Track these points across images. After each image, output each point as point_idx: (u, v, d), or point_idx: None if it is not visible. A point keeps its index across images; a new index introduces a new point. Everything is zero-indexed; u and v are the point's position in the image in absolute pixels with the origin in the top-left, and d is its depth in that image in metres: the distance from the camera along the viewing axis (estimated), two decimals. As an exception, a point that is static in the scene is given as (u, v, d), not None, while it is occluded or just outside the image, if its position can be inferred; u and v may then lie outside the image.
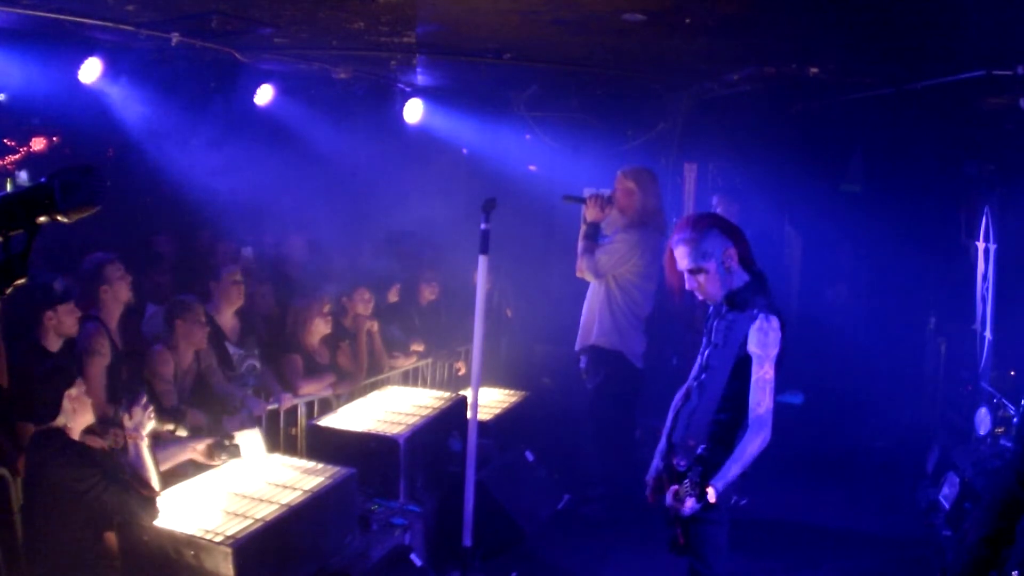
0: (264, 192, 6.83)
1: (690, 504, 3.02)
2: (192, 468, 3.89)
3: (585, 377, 5.48)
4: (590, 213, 5.28)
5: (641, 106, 7.61)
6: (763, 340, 3.04)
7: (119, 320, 4.48)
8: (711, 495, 2.99)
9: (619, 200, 5.29)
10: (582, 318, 5.47)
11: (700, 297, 3.24)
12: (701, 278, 3.18)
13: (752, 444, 3.01)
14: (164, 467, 3.65)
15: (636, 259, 5.21)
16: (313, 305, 5.36)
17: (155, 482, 3.37)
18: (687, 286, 3.23)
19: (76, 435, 3.43)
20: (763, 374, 3.03)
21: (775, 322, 3.08)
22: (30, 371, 3.72)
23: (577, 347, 5.48)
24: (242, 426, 4.57)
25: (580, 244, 5.29)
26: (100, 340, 4.23)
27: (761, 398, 3.02)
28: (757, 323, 3.06)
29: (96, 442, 3.52)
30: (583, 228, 5.31)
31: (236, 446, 3.79)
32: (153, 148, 6.50)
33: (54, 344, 3.98)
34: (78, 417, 3.42)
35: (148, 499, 3.32)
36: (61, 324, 3.96)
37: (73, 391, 3.41)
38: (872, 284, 7.95)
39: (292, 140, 7.34)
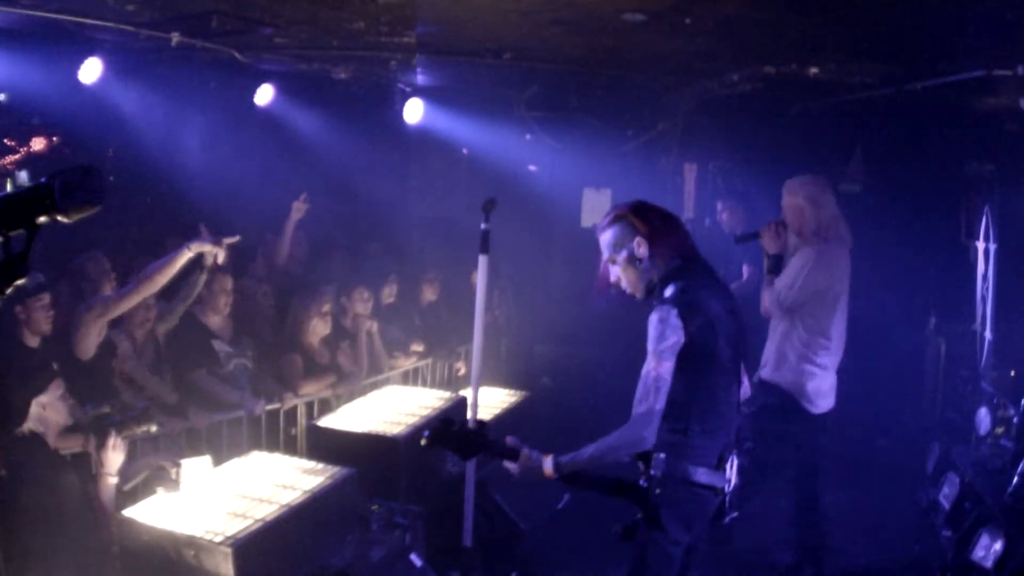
0: (264, 192, 6.83)
1: (516, 467, 2.99)
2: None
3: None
4: (770, 245, 4.72)
5: (641, 106, 7.61)
6: (651, 334, 2.83)
7: None
8: (547, 464, 2.93)
9: (791, 222, 4.69)
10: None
11: (628, 291, 3.08)
12: (616, 269, 3.05)
13: (616, 438, 2.78)
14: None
15: (808, 277, 4.55)
16: (313, 305, 5.36)
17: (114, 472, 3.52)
18: (611, 279, 3.11)
19: (51, 439, 3.43)
20: (648, 370, 2.79)
21: (669, 312, 2.81)
22: (10, 369, 3.71)
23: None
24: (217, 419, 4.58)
25: (766, 280, 4.78)
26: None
27: (642, 396, 2.77)
28: (651, 316, 2.87)
29: (72, 443, 3.56)
30: (766, 263, 4.82)
31: (175, 482, 3.54)
32: (153, 148, 6.51)
33: (32, 341, 3.96)
34: (51, 422, 3.41)
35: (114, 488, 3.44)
36: (31, 319, 3.92)
37: (44, 397, 3.37)
38: (872, 284, 7.93)
39: (292, 140, 7.34)
